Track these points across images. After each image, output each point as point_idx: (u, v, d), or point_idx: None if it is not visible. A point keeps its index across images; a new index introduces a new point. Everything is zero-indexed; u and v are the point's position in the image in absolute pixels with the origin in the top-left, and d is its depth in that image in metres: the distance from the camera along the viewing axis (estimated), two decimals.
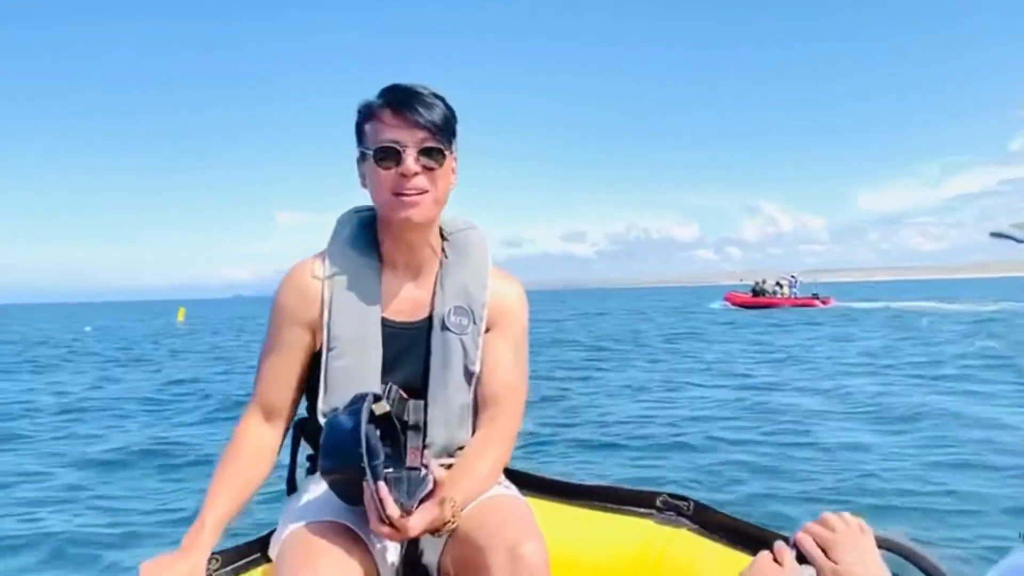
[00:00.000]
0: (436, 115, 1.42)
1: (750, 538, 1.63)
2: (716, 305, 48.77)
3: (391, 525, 1.27)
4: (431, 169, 1.43)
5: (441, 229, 1.59)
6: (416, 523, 1.28)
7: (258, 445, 1.51)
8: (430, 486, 1.29)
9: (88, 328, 40.79)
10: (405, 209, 1.43)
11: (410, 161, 1.40)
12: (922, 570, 1.12)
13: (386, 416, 1.34)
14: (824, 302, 42.56)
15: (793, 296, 43.93)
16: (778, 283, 45.07)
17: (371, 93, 1.46)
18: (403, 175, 1.40)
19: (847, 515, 1.14)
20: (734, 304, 44.98)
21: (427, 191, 1.43)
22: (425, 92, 1.44)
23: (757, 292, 44.44)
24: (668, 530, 1.73)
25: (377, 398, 1.33)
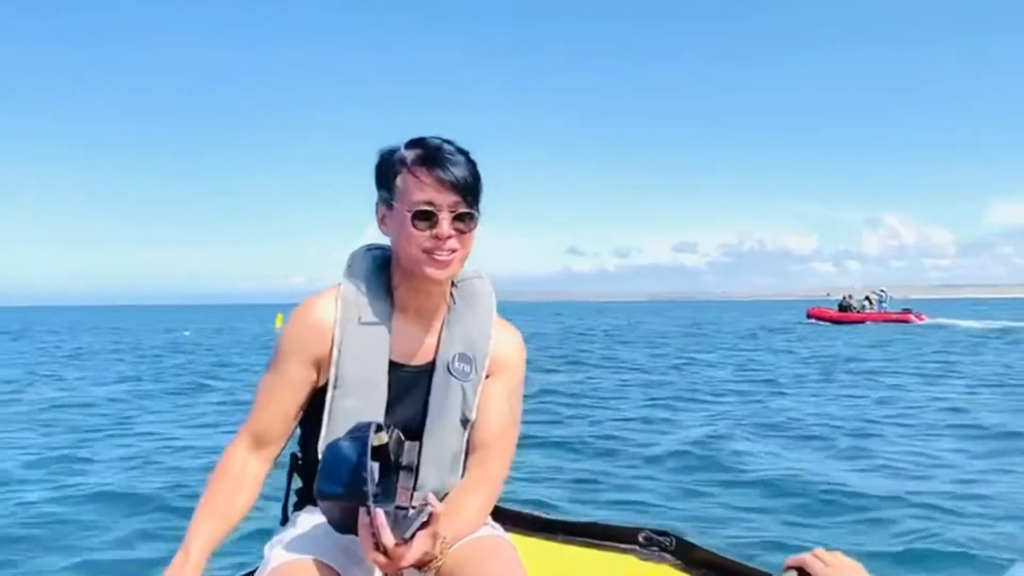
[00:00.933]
0: (468, 177, 1.45)
1: (730, 572, 1.62)
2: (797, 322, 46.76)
3: (385, 553, 1.28)
4: (463, 232, 1.47)
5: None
6: (410, 554, 1.27)
7: (245, 474, 1.51)
8: (425, 518, 1.29)
9: (187, 332, 41.90)
10: (436, 269, 1.47)
11: (445, 225, 1.43)
12: None
13: (383, 448, 1.36)
14: (919, 317, 40.63)
15: (882, 311, 42.10)
16: (867, 298, 43.27)
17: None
18: (437, 237, 1.44)
19: (841, 555, 1.16)
20: (819, 319, 43.36)
21: (456, 251, 1.47)
22: (453, 150, 1.47)
23: (844, 307, 42.69)
24: (650, 566, 1.73)
25: (379, 428, 1.35)
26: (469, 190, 1.45)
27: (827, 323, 41.72)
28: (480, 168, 1.51)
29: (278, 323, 45.15)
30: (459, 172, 1.44)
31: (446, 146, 1.47)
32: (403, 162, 1.47)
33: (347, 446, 1.30)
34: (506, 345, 1.62)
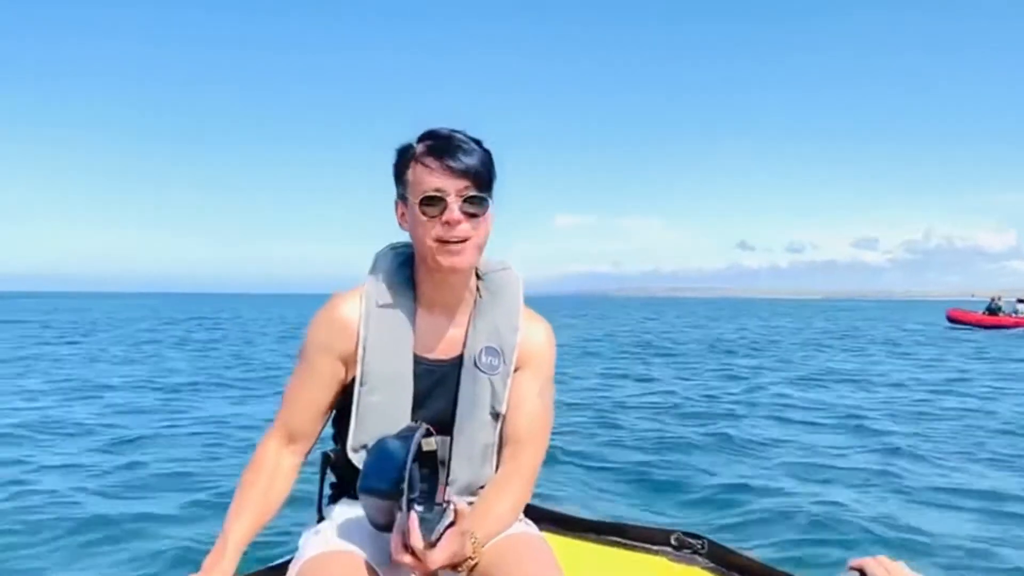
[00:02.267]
0: (477, 162, 1.45)
1: None
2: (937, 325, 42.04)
3: (414, 555, 1.28)
4: (474, 216, 1.46)
5: (476, 268, 1.62)
6: (438, 556, 1.28)
7: (278, 468, 1.54)
8: (451, 518, 1.30)
9: None
10: (449, 257, 1.47)
11: (455, 209, 1.44)
12: None
13: (431, 453, 1.38)
14: None
15: None
16: (1021, 300, 39.35)
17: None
18: (447, 223, 1.44)
19: (904, 566, 1.16)
20: (960, 323, 38.97)
21: (470, 238, 1.47)
22: (464, 138, 1.47)
23: (992, 310, 38.61)
24: (682, 568, 1.73)
25: (429, 433, 1.37)
26: (479, 176, 1.46)
27: (968, 327, 37.69)
28: (495, 159, 1.51)
29: None
30: (468, 159, 1.45)
31: (456, 135, 1.48)
32: (414, 154, 1.48)
33: (394, 444, 1.32)
34: (535, 337, 1.62)
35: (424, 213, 1.45)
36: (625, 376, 14.59)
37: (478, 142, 1.49)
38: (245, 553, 1.49)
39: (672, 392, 12.02)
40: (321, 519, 1.62)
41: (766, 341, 26.95)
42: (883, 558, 1.15)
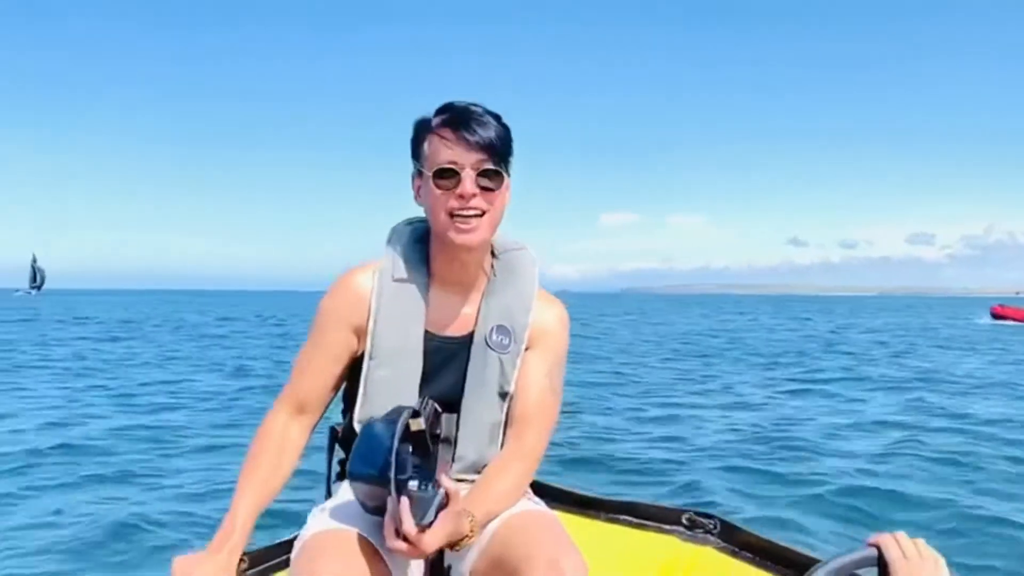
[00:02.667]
0: (493, 135, 1.43)
1: (777, 557, 1.60)
2: (983, 321, 41.19)
3: (407, 540, 1.26)
4: (489, 190, 1.44)
5: (492, 247, 1.60)
6: (431, 539, 1.26)
7: (285, 441, 1.52)
8: (443, 500, 1.28)
9: None
10: (461, 233, 1.45)
11: (468, 183, 1.42)
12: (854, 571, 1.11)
13: (420, 432, 1.36)
14: None
15: None
16: None
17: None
18: (461, 196, 1.42)
19: (922, 543, 1.13)
20: (1005, 319, 38.39)
21: (484, 212, 1.45)
22: (481, 111, 1.45)
23: None
24: (694, 547, 1.72)
25: (416, 414, 1.35)
26: (495, 150, 1.43)
27: (1016, 323, 36.94)
28: (512, 132, 1.48)
29: None
30: (484, 132, 1.42)
31: (474, 108, 1.45)
32: (430, 127, 1.46)
33: (380, 428, 1.30)
34: (548, 317, 1.60)
35: (438, 186, 1.44)
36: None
37: (496, 116, 1.47)
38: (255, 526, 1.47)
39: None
40: (330, 495, 1.61)
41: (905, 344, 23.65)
42: (902, 535, 1.14)
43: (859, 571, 1.12)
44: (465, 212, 1.43)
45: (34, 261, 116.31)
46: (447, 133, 1.43)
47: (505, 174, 1.47)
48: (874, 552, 1.12)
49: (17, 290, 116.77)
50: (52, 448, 6.80)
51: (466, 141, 1.42)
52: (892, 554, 1.10)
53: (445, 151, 1.43)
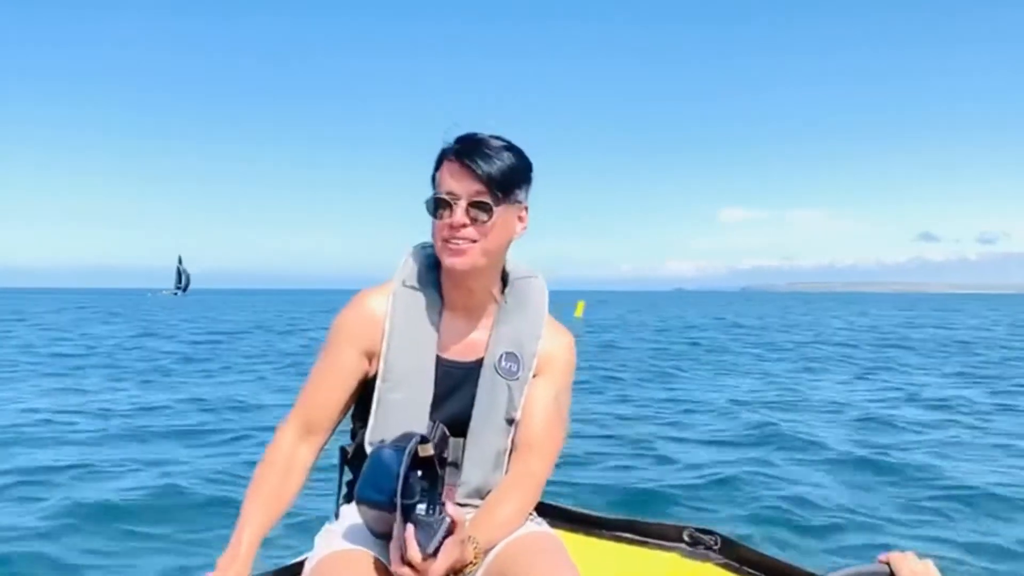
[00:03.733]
0: (495, 168, 1.45)
1: (778, 573, 1.63)
2: None
3: (411, 567, 1.28)
4: (481, 222, 1.46)
5: (505, 274, 1.64)
6: (436, 567, 1.27)
7: (293, 462, 1.53)
8: (448, 527, 1.30)
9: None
10: (450, 257, 1.48)
11: (459, 213, 1.45)
12: None
13: (429, 458, 1.37)
14: None
15: None
16: None
17: None
18: (451, 226, 1.46)
19: (931, 564, 1.17)
20: None
21: (475, 241, 1.47)
22: (495, 144, 1.48)
23: None
24: (695, 564, 1.74)
25: (424, 440, 1.37)
26: (494, 182, 1.46)
27: None
28: (535, 168, 1.52)
29: (578, 311, 35.32)
30: (487, 164, 1.45)
31: (490, 140, 1.49)
32: (444, 156, 1.50)
33: (388, 455, 1.32)
34: (555, 345, 1.63)
35: (434, 214, 1.49)
36: None
37: (511, 148, 1.50)
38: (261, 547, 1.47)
39: None
40: (338, 515, 1.61)
41: None
42: (911, 554, 1.16)
43: None
44: (453, 241, 1.47)
45: (180, 263, 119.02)
46: (451, 163, 1.48)
47: (502, 206, 1.48)
48: (885, 569, 1.14)
49: (162, 290, 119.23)
50: None
51: (468, 172, 1.45)
52: (903, 572, 1.13)
53: (447, 181, 1.47)
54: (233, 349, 18.90)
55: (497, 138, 1.50)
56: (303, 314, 45.02)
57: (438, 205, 1.47)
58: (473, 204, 1.46)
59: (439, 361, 1.55)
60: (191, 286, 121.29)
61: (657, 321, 37.59)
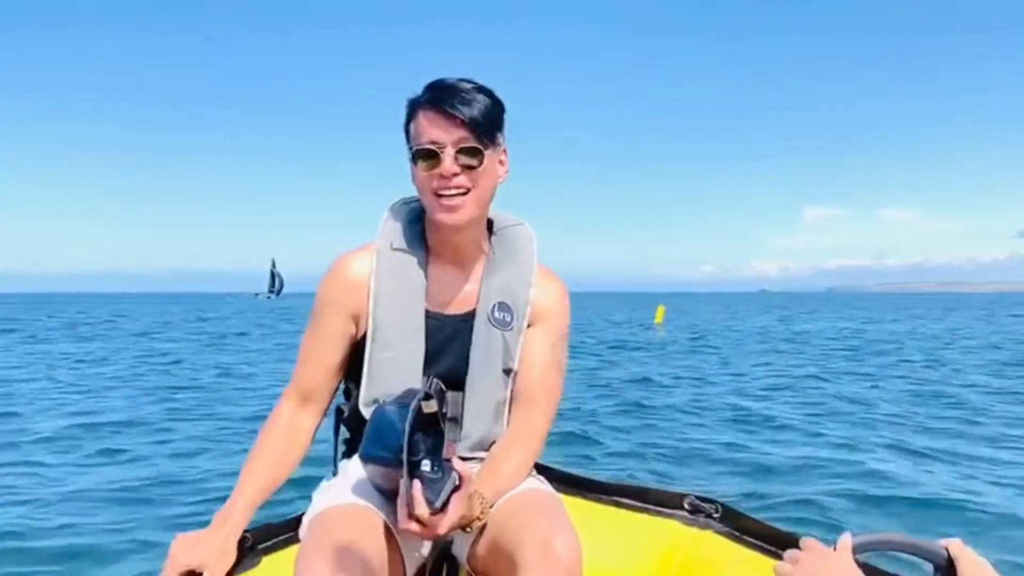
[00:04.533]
0: (476, 111, 1.41)
1: (778, 542, 1.59)
2: None
3: (419, 522, 1.26)
4: (471, 168, 1.43)
5: (491, 223, 1.61)
6: (444, 522, 1.26)
7: (293, 430, 1.54)
8: (455, 483, 1.29)
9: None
10: (446, 212, 1.45)
11: (448, 162, 1.41)
12: (913, 554, 1.09)
13: (433, 414, 1.35)
14: None
15: None
16: None
17: None
18: (442, 176, 1.42)
19: (810, 541, 1.11)
20: None
21: (468, 190, 1.44)
22: (466, 87, 1.43)
23: None
24: (695, 532, 1.72)
25: (428, 396, 1.34)
26: (478, 127, 1.42)
27: None
28: (504, 104, 1.46)
29: (658, 317, 32.57)
30: (467, 109, 1.41)
31: (461, 84, 1.44)
32: (416, 106, 1.46)
33: (392, 411, 1.31)
34: (548, 294, 1.61)
35: (419, 166, 1.44)
36: None
37: (485, 90, 1.46)
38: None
39: None
40: (336, 474, 1.62)
41: None
42: (972, 552, 1.08)
43: (911, 558, 1.09)
44: (448, 192, 1.43)
45: (273, 267, 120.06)
46: (429, 111, 1.43)
47: (490, 149, 1.45)
48: (943, 552, 1.07)
49: (257, 294, 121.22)
50: None
51: (449, 119, 1.41)
52: (965, 560, 1.06)
53: (428, 130, 1.43)
54: None
55: (467, 81, 1.45)
56: None
57: (424, 156, 1.43)
58: (462, 151, 1.42)
59: (430, 316, 1.54)
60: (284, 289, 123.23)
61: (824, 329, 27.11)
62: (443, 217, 1.45)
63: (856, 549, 1.08)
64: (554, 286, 1.62)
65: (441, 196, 1.44)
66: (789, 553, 1.11)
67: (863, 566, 1.07)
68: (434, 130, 1.42)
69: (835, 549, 1.08)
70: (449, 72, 1.46)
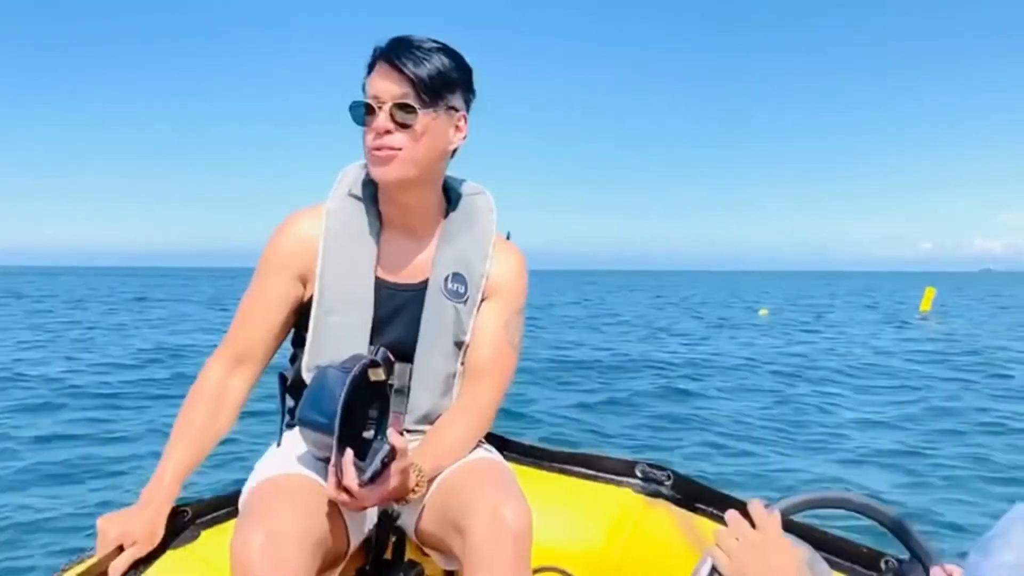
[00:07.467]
0: (424, 69, 1.36)
1: (730, 506, 1.58)
2: None
3: (348, 492, 1.23)
4: (406, 126, 1.37)
5: (447, 190, 1.56)
6: (372, 494, 1.23)
7: (222, 394, 1.47)
8: (387, 454, 1.24)
9: (762, 311, 26.53)
10: (376, 166, 1.40)
11: (382, 117, 1.36)
12: (849, 509, 1.08)
13: (380, 383, 1.31)
14: None
15: None
16: None
17: None
18: (376, 131, 1.38)
19: (734, 515, 1.06)
20: None
21: (400, 149, 1.38)
22: (426, 44, 1.38)
23: None
24: (646, 500, 1.72)
25: (375, 364, 1.30)
26: (423, 84, 1.36)
27: None
28: (467, 65, 1.42)
29: (925, 303, 26.74)
30: (415, 65, 1.35)
31: (424, 42, 1.38)
32: (374, 58, 1.41)
33: (333, 375, 1.25)
34: (505, 266, 1.56)
35: (359, 121, 1.40)
36: None
37: (448, 50, 1.40)
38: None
39: None
40: (280, 444, 1.54)
41: None
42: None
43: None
44: (377, 149, 1.38)
45: None
46: (382, 64, 1.38)
47: (429, 109, 1.38)
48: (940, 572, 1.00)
49: None
50: None
51: (395, 73, 1.36)
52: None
53: (373, 83, 1.38)
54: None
55: (433, 40, 1.40)
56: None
57: (363, 111, 1.38)
58: (398, 106, 1.36)
59: (381, 283, 1.48)
60: None
61: None
62: (374, 172, 1.41)
63: (784, 514, 1.06)
64: (512, 258, 1.57)
65: (372, 151, 1.39)
66: (723, 538, 1.04)
67: (798, 525, 1.05)
68: (379, 83, 1.37)
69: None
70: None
